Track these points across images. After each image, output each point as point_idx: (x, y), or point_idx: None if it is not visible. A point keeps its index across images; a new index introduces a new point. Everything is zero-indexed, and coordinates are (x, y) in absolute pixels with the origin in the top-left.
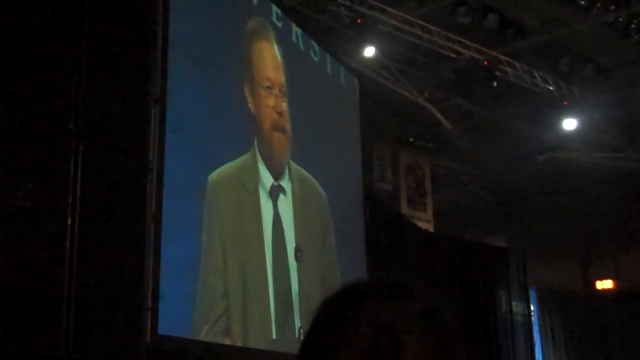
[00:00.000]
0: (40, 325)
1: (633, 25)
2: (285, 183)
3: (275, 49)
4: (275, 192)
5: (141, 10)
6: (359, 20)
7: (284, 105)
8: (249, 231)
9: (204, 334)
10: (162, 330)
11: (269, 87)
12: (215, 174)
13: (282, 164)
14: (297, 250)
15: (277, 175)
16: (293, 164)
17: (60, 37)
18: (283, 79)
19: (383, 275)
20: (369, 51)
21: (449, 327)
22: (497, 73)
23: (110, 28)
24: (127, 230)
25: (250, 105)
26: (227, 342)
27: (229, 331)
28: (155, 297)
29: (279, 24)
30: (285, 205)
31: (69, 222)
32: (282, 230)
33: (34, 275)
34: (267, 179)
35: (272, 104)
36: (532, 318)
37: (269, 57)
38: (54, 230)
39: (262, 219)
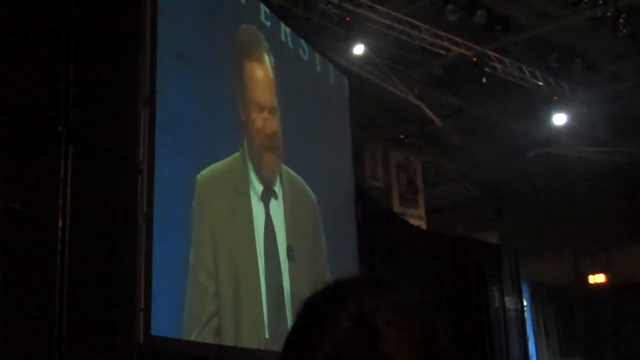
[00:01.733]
0: (33, 327)
1: (621, 20)
2: (277, 187)
3: (268, 65)
4: (266, 196)
5: (129, 11)
6: (347, 18)
7: (275, 125)
8: (240, 232)
9: (195, 336)
10: (154, 331)
11: (259, 110)
12: (203, 173)
13: (272, 176)
14: (290, 249)
15: (266, 177)
16: (284, 167)
17: (49, 39)
18: (274, 100)
19: (367, 272)
20: (358, 49)
21: (431, 320)
22: (487, 69)
23: (98, 29)
24: (119, 232)
25: (241, 112)
26: (218, 342)
27: (220, 332)
28: (148, 298)
29: (268, 23)
30: (277, 208)
31: (60, 224)
32: (274, 232)
33: (25, 277)
34: (258, 183)
35: (261, 126)
36: (525, 313)
37: (260, 78)
38: (44, 232)
39: (253, 220)
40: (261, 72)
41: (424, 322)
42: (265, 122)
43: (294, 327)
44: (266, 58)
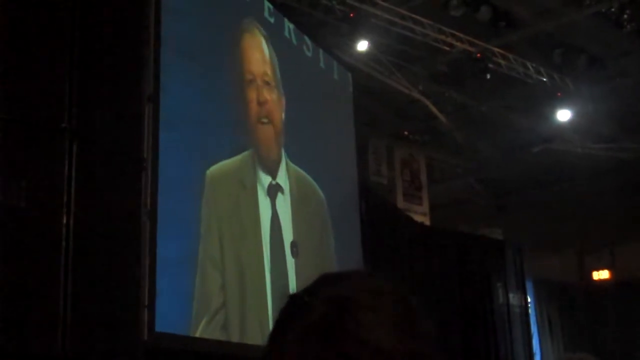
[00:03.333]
0: (37, 324)
1: (626, 15)
2: (283, 182)
3: (261, 41)
4: (273, 191)
5: (133, 8)
6: (351, 15)
7: (267, 95)
8: (246, 227)
9: (203, 326)
10: (159, 327)
11: (250, 80)
12: (213, 169)
13: (272, 155)
14: (293, 245)
15: (272, 172)
16: (291, 164)
17: (53, 36)
18: (266, 68)
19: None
20: (362, 45)
21: (410, 304)
22: (491, 65)
23: (102, 26)
24: (123, 228)
25: (241, 103)
26: (225, 335)
27: (227, 325)
28: (152, 295)
29: (271, 20)
30: (283, 203)
31: (64, 220)
32: (280, 228)
33: (30, 274)
34: (265, 178)
35: (254, 96)
36: (529, 310)
37: (251, 51)
38: (49, 229)
39: (260, 215)
40: (252, 46)
41: (402, 307)
42: (258, 90)
43: (277, 319)
44: (262, 40)
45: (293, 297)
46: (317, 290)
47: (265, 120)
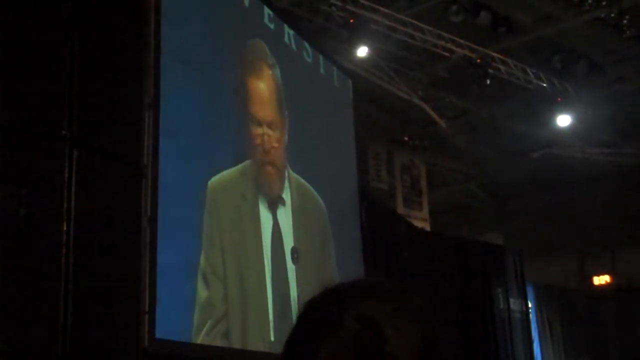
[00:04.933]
0: (37, 331)
1: (625, 21)
2: (285, 193)
3: (270, 79)
4: (274, 203)
5: (133, 15)
6: (351, 21)
7: (274, 140)
8: (248, 238)
9: (204, 336)
10: (159, 334)
11: (257, 125)
12: (215, 180)
13: (275, 189)
14: (294, 251)
15: (274, 184)
16: (292, 173)
17: (53, 43)
18: (275, 114)
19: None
20: (362, 51)
21: (433, 325)
22: (491, 71)
23: (102, 33)
24: (123, 235)
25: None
26: (226, 344)
27: (228, 334)
28: (152, 302)
29: (271, 26)
30: (285, 214)
31: (65, 227)
32: (281, 238)
33: (30, 281)
34: (266, 190)
35: (259, 142)
36: (530, 315)
37: (259, 93)
38: (49, 235)
39: (261, 226)
40: (260, 86)
41: (426, 328)
42: (264, 137)
43: (295, 328)
44: (268, 71)
45: (313, 308)
46: (343, 302)
47: (269, 164)
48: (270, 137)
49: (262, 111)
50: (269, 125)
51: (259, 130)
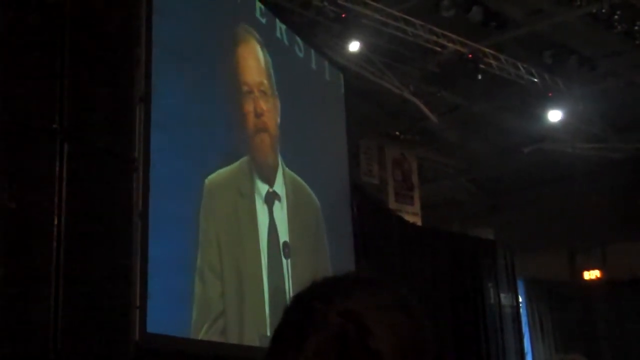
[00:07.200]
0: (28, 325)
1: (616, 16)
2: (280, 189)
3: (258, 53)
4: (270, 199)
5: (125, 9)
6: (343, 15)
7: (264, 105)
8: (244, 234)
9: (203, 333)
10: (152, 328)
11: (247, 92)
12: (211, 178)
13: (268, 161)
14: (285, 246)
15: (269, 179)
16: (287, 170)
17: (44, 37)
18: (262, 78)
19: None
20: (354, 46)
21: (419, 320)
22: (482, 66)
23: (93, 27)
24: (114, 230)
25: (239, 112)
26: (223, 340)
27: (226, 331)
28: (144, 296)
29: (263, 20)
30: (280, 211)
31: (55, 222)
32: (277, 234)
33: (21, 275)
34: (262, 186)
35: (251, 108)
36: (521, 309)
37: (246, 60)
38: (40, 230)
39: (257, 223)
40: (249, 55)
41: (411, 322)
42: (255, 101)
43: (281, 321)
44: (257, 47)
45: (300, 301)
46: (328, 297)
47: (262, 130)
48: (261, 102)
49: (251, 76)
50: (259, 90)
51: (251, 95)
